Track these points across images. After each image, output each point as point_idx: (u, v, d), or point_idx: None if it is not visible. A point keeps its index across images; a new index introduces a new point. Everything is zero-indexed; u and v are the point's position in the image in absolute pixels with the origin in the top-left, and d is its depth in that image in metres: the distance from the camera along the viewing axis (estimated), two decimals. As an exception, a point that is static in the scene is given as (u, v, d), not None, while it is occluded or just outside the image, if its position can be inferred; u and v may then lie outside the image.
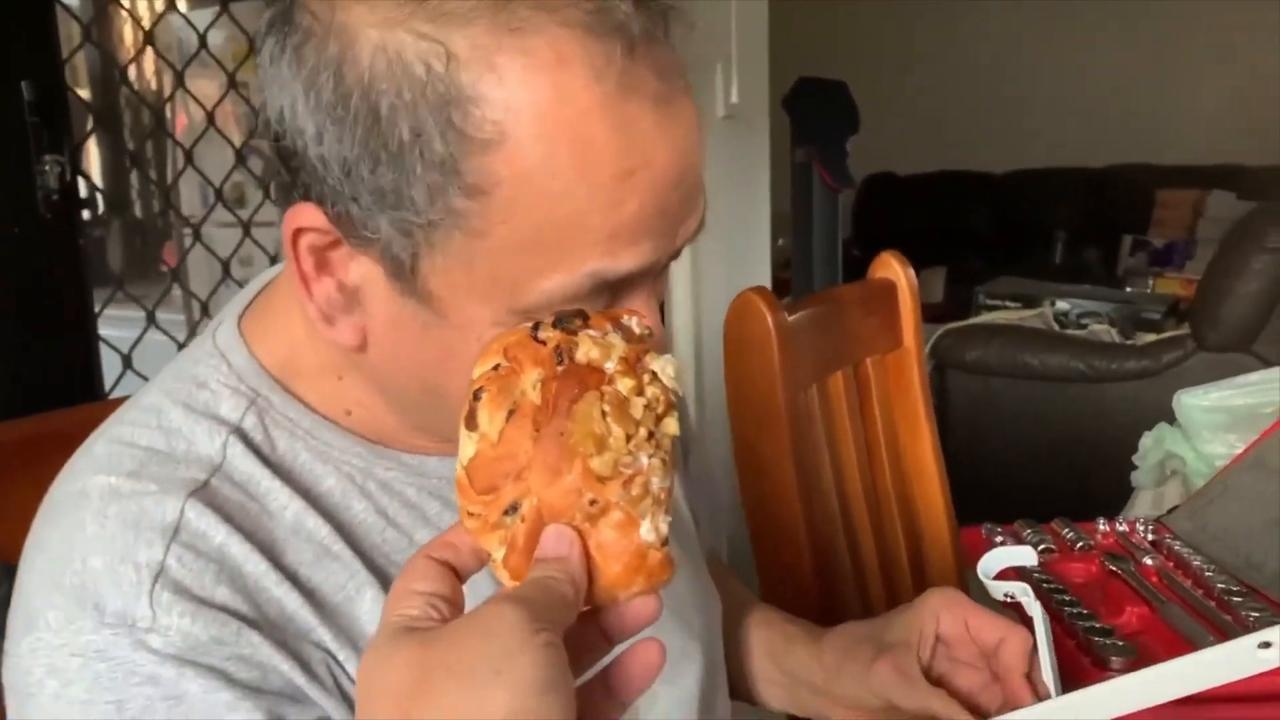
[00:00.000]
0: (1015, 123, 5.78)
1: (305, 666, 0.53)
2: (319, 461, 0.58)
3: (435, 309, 0.52)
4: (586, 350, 0.44)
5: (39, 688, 0.51)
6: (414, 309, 0.52)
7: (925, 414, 1.30)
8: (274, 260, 1.76)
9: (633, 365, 0.45)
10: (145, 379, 1.49)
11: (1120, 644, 0.80)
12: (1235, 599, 0.87)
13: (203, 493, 0.54)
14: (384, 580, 0.57)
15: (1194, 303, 2.88)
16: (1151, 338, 2.93)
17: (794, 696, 0.81)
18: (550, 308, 0.49)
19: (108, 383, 1.45)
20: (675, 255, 0.54)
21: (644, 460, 0.44)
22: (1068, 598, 0.89)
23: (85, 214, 1.43)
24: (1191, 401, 1.24)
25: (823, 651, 0.75)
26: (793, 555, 1.07)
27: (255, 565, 0.53)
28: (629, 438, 0.43)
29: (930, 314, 4.04)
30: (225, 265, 1.62)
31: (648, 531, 0.44)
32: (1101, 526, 1.05)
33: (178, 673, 0.50)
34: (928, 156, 5.85)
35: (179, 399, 0.57)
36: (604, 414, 0.43)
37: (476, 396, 0.45)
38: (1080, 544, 1.02)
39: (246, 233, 1.66)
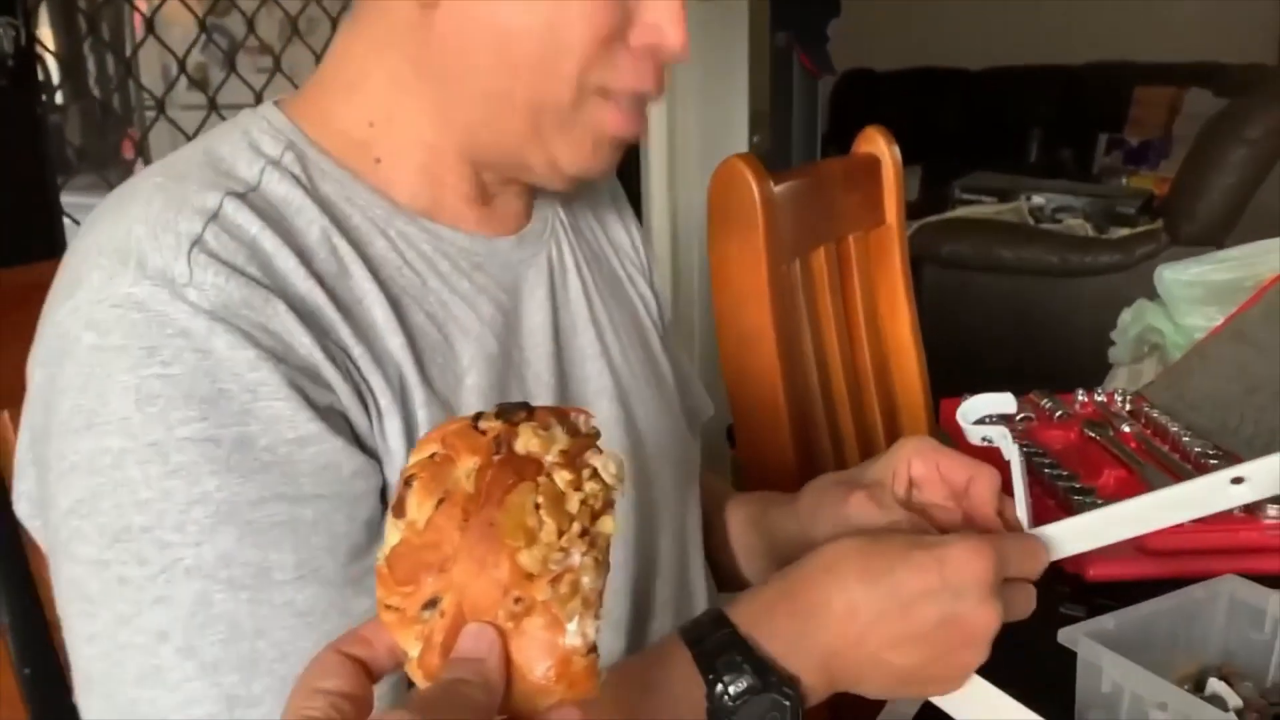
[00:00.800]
0: (992, 18, 5.69)
1: (325, 350, 0.56)
2: (347, 204, 0.62)
3: None
4: (526, 441, 0.42)
5: (75, 342, 0.53)
6: None
7: (905, 291, 1.30)
8: (241, 138, 1.71)
9: (573, 459, 0.43)
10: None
11: (1100, 502, 0.81)
12: (1212, 462, 0.88)
13: (241, 197, 0.57)
14: (393, 303, 0.60)
15: (1168, 196, 2.89)
16: (1125, 232, 2.94)
17: (775, 559, 0.81)
18: None
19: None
20: None
21: (576, 558, 0.41)
22: (1047, 460, 0.90)
23: (43, 95, 1.38)
24: (1173, 276, 1.24)
25: (798, 502, 0.76)
26: (773, 427, 1.08)
27: (285, 260, 0.56)
28: (561, 533, 0.41)
29: (908, 210, 4.02)
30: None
31: (574, 636, 0.41)
32: (1080, 397, 1.06)
33: (208, 328, 0.52)
34: (905, 52, 5.77)
35: (226, 140, 0.61)
36: (537, 506, 0.41)
37: (408, 484, 0.42)
38: (1059, 413, 1.03)
39: (213, 109, 1.61)
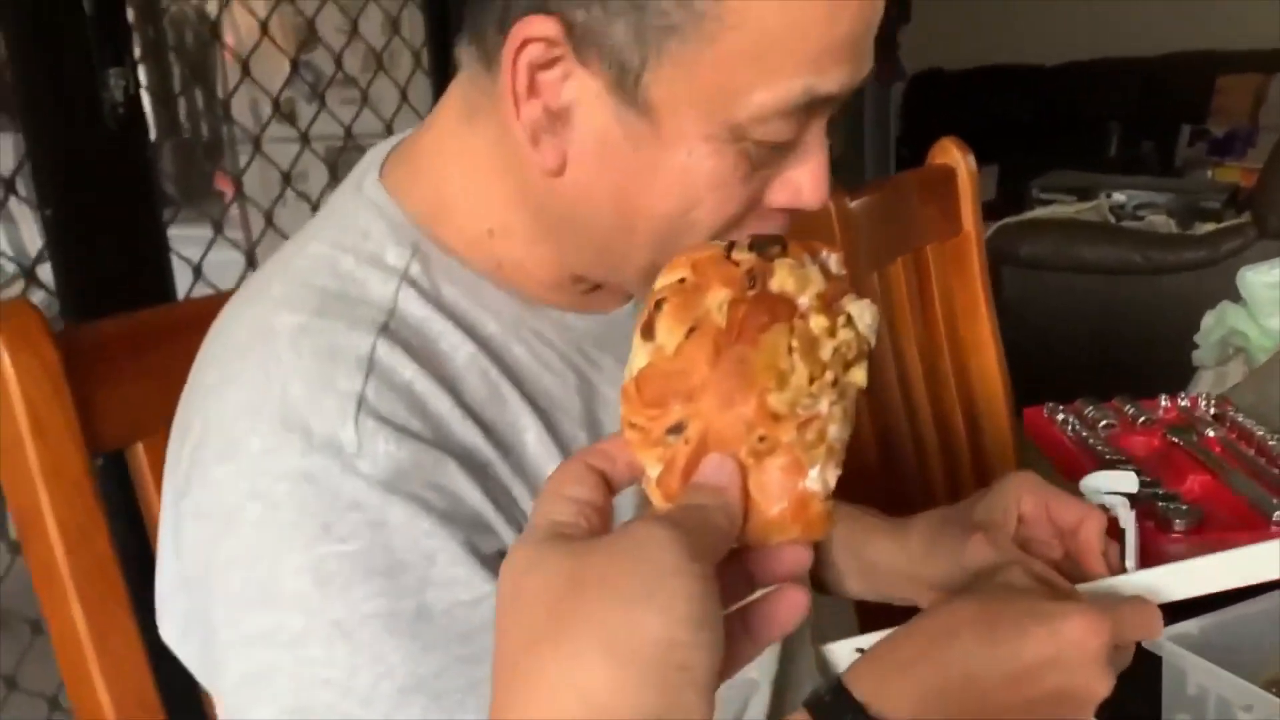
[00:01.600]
0: (1065, 12, 5.60)
1: (490, 496, 0.55)
2: (479, 309, 0.60)
3: (651, 120, 0.54)
4: (782, 279, 0.42)
5: (239, 511, 0.52)
6: (629, 122, 0.54)
7: (984, 298, 1.31)
8: (332, 172, 1.78)
9: (828, 304, 0.42)
10: (216, 289, 1.54)
11: (1185, 508, 0.82)
12: (1300, 465, 0.88)
13: (387, 331, 0.55)
14: (545, 420, 0.59)
15: (1255, 189, 2.82)
16: (1211, 227, 2.88)
17: (872, 584, 0.83)
18: (760, 122, 0.52)
19: (180, 293, 1.50)
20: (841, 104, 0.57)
21: (824, 405, 0.41)
22: (1130, 467, 0.90)
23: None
24: (1255, 278, 1.23)
25: (908, 538, 0.77)
26: (856, 440, 1.10)
27: (440, 402, 0.55)
28: (813, 379, 0.40)
29: (984, 211, 3.97)
30: (286, 177, 1.65)
31: (814, 480, 0.41)
32: (1164, 402, 1.07)
33: (382, 499, 0.51)
34: (975, 51, 5.69)
35: (346, 247, 0.59)
36: (791, 349, 0.40)
37: (658, 306, 0.42)
38: (1142, 419, 1.03)
39: (305, 144, 1.68)
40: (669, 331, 0.41)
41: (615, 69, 0.53)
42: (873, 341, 0.43)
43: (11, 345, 0.71)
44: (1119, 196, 3.13)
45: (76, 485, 0.72)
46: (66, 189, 1.33)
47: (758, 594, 0.43)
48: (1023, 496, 0.71)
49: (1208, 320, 1.36)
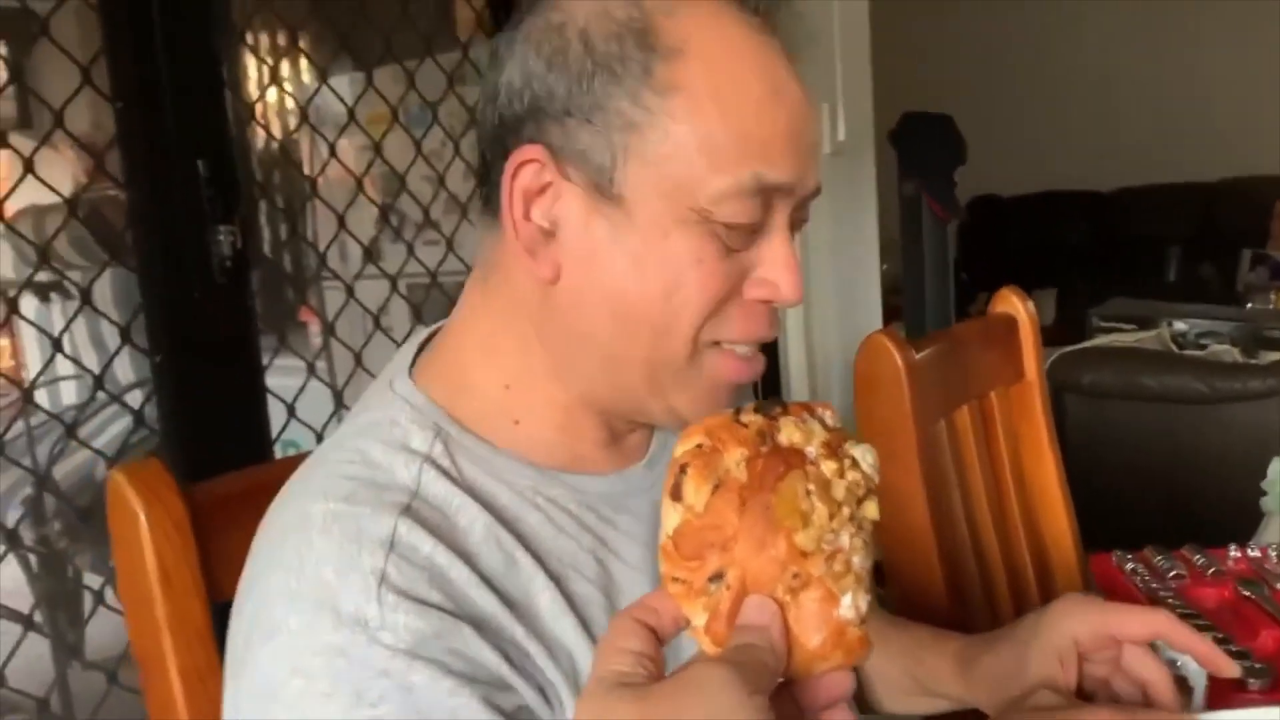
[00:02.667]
0: (1121, 138, 5.67)
1: (507, 658, 0.59)
2: (495, 481, 0.65)
3: (627, 211, 0.62)
4: (789, 433, 0.47)
5: (283, 687, 0.56)
6: (609, 216, 0.62)
7: (1049, 443, 1.34)
8: (416, 311, 1.88)
9: (834, 450, 0.47)
10: (306, 425, 1.62)
11: (1257, 666, 0.83)
12: (1372, 622, 0.89)
13: (408, 512, 0.60)
14: (557, 582, 0.63)
15: (1320, 319, 2.81)
16: (1276, 356, 2.87)
17: (931, 704, 0.85)
18: (719, 204, 0.61)
19: (275, 428, 1.58)
20: (801, 214, 0.66)
21: (845, 539, 0.46)
22: (1202, 622, 0.92)
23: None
24: (1320, 426, 1.24)
25: (972, 688, 0.79)
26: (928, 587, 1.12)
27: (458, 572, 0.59)
28: (832, 515, 0.45)
29: (1043, 337, 3.97)
30: (375, 318, 1.74)
31: (848, 609, 0.45)
32: (1233, 553, 1.08)
33: (407, 665, 0.55)
34: (1032, 177, 5.77)
35: (376, 437, 0.65)
36: (809, 492, 0.45)
37: (683, 471, 0.47)
38: (1212, 570, 1.05)
39: (394, 287, 1.77)
40: (696, 491, 0.46)
41: (592, 172, 0.62)
42: (876, 479, 0.49)
43: (145, 501, 0.77)
44: (1180, 325, 3.13)
45: (198, 633, 0.77)
46: (177, 335, 1.43)
47: None
48: (1078, 633, 0.71)
49: (1274, 468, 1.37)
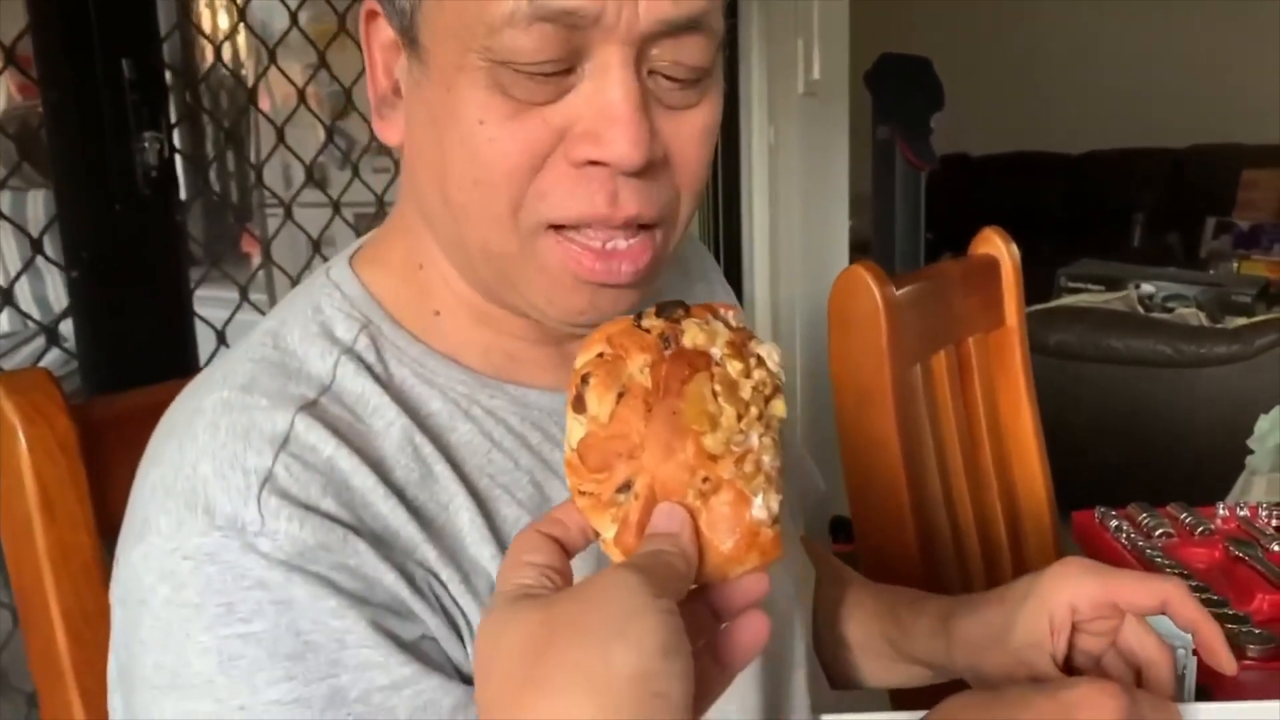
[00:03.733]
0: (1092, 103, 5.65)
1: (410, 581, 0.53)
2: (425, 385, 0.59)
3: (425, 62, 0.54)
4: (693, 336, 0.46)
5: (151, 593, 0.51)
6: (415, 71, 0.55)
7: (1027, 394, 1.28)
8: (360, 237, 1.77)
9: (739, 349, 0.46)
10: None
11: (1257, 632, 0.77)
12: (1373, 587, 0.84)
13: (312, 409, 0.54)
14: (481, 502, 0.57)
15: (1288, 285, 2.79)
16: (1242, 321, 2.85)
17: (910, 673, 0.78)
18: (495, 34, 0.50)
19: (202, 358, 1.47)
20: (663, 50, 0.53)
21: (755, 439, 0.45)
22: (1195, 583, 0.86)
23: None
24: (1314, 382, 1.19)
25: (951, 647, 0.72)
26: (897, 532, 1.06)
27: (363, 480, 0.53)
28: (740, 417, 0.44)
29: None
30: (315, 244, 1.63)
31: (759, 509, 0.44)
32: (1221, 511, 1.02)
33: (285, 577, 0.50)
34: (1002, 137, 5.74)
35: (296, 322, 0.58)
36: (715, 394, 0.44)
37: (585, 381, 0.45)
38: (1200, 528, 0.99)
39: (336, 211, 1.67)
40: (600, 401, 0.45)
41: (398, 19, 0.55)
42: (783, 377, 0.48)
43: (26, 418, 0.68)
44: (1147, 288, 3.10)
45: (85, 570, 0.69)
46: (94, 251, 1.31)
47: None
48: (1076, 602, 0.64)
49: (1263, 424, 1.31)
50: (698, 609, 0.45)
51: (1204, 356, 2.71)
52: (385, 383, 0.57)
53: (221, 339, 1.51)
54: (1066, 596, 0.64)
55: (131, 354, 1.37)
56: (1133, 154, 5.52)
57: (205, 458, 0.52)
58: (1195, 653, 0.64)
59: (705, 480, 0.44)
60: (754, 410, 0.45)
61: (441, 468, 0.56)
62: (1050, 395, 2.89)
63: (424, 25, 0.54)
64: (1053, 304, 3.03)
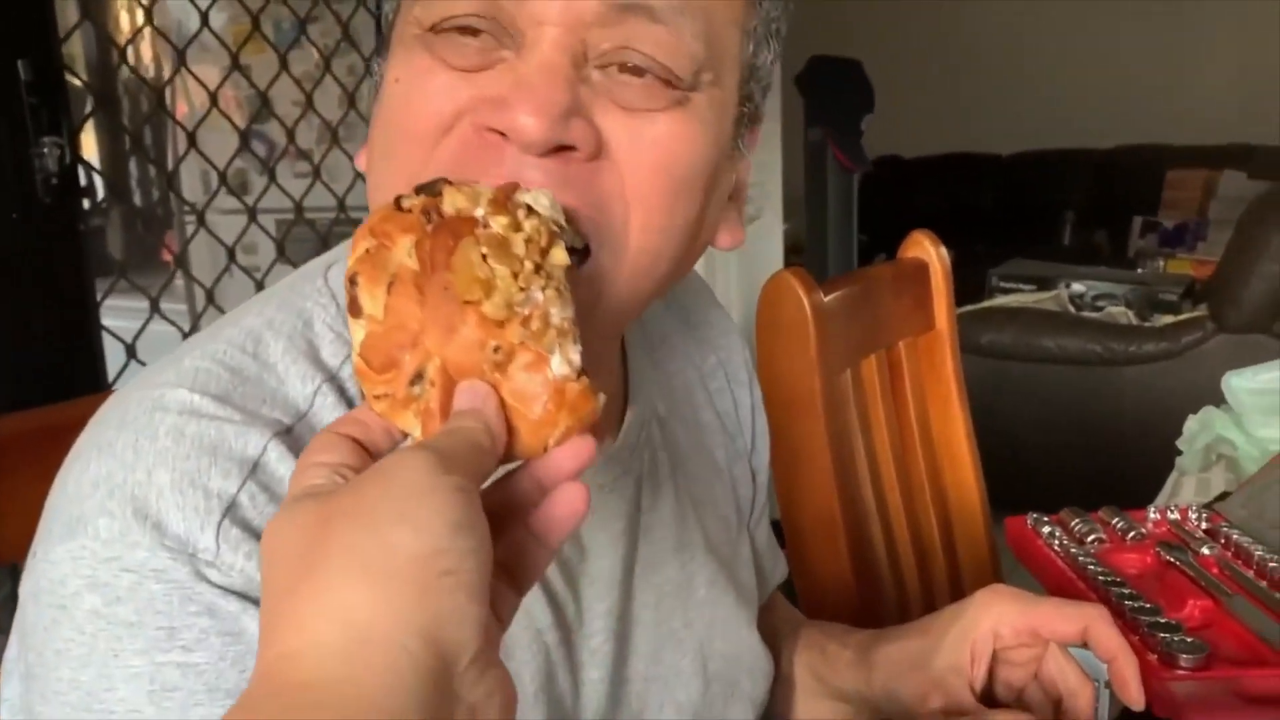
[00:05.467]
0: (1021, 104, 5.73)
1: None
2: None
3: (389, 53, 0.53)
4: (452, 201, 0.43)
5: (75, 600, 0.46)
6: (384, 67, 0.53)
7: (958, 398, 1.27)
8: (280, 246, 1.71)
9: (504, 203, 0.43)
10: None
11: (1189, 640, 0.76)
12: (1304, 590, 0.83)
13: (286, 437, 0.49)
14: None
15: (1212, 283, 2.84)
16: (1169, 319, 2.89)
17: (833, 709, 0.76)
18: (432, 12, 0.49)
19: (111, 373, 1.41)
20: (602, 34, 0.49)
21: (538, 294, 0.42)
22: (1127, 590, 0.84)
23: (85, 201, 1.38)
24: (1240, 384, 1.20)
25: (871, 674, 0.70)
26: (829, 542, 1.04)
27: None
28: (515, 275, 0.42)
29: (941, 297, 3.95)
30: (230, 252, 1.58)
31: (559, 365, 0.41)
32: (1153, 515, 1.01)
33: (239, 608, 0.46)
34: (933, 139, 5.80)
35: (283, 331, 0.53)
36: (484, 257, 0.41)
37: (353, 283, 0.42)
38: (1131, 533, 0.98)
39: (252, 218, 1.61)
40: (371, 297, 0.42)
41: (384, 32, 0.54)
42: (560, 219, 0.45)
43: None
44: (1078, 287, 3.15)
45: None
46: (-9, 261, 1.25)
47: (504, 471, 0.42)
48: (999, 629, 0.64)
49: (1191, 425, 1.32)
50: (524, 485, 0.42)
51: (1133, 354, 2.75)
52: None
53: (131, 353, 1.45)
54: (990, 623, 0.64)
55: (35, 368, 1.31)
56: (1061, 154, 5.61)
57: (163, 466, 0.47)
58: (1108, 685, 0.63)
59: (496, 350, 0.41)
60: (529, 265, 0.42)
61: None
62: (984, 395, 2.92)
63: (393, 24, 0.53)
64: (985, 304, 3.05)
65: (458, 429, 0.40)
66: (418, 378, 0.42)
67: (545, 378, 0.41)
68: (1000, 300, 3.11)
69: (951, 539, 1.25)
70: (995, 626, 0.63)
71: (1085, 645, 0.62)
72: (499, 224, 0.42)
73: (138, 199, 2.28)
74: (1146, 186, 5.24)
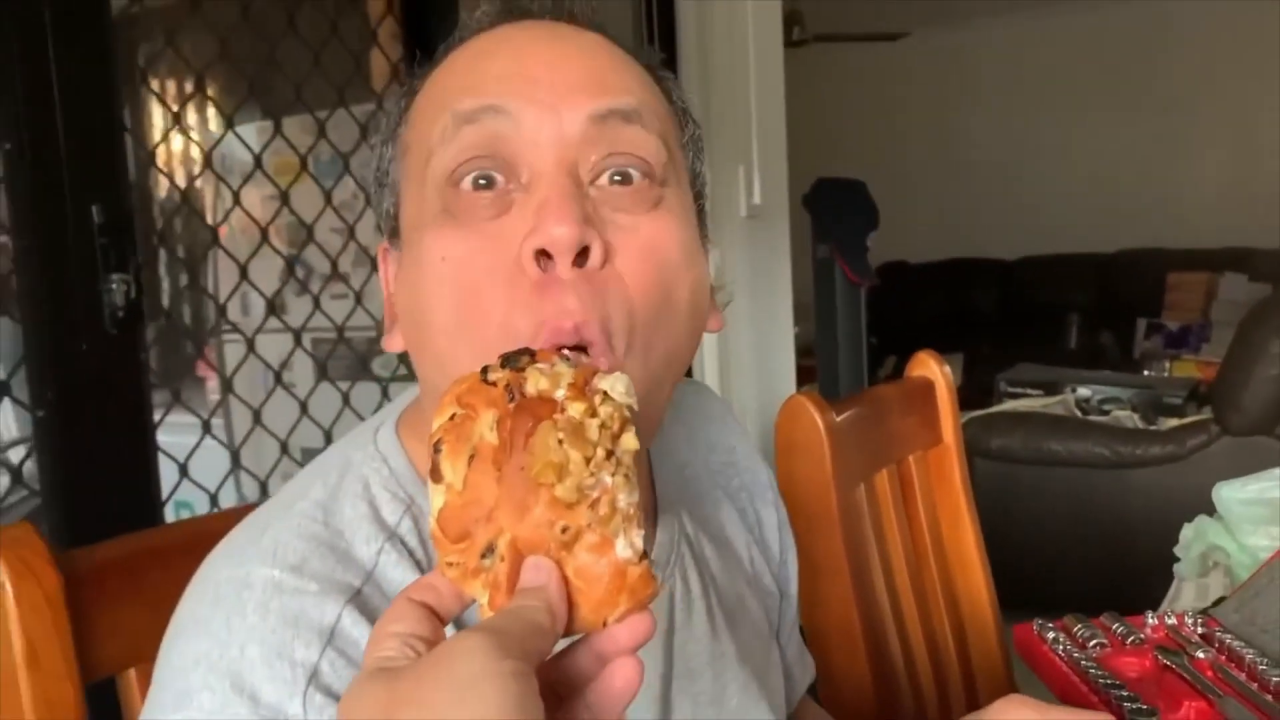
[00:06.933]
0: (1025, 211, 5.87)
1: None
2: None
3: (404, 240, 0.60)
4: (535, 382, 0.45)
5: None
6: (400, 261, 0.61)
7: (967, 508, 1.33)
8: (321, 367, 1.81)
9: (582, 389, 0.45)
10: (199, 485, 1.53)
11: (1183, 740, 0.82)
12: (1291, 692, 0.89)
13: (357, 599, 0.55)
14: None
15: (1215, 387, 2.91)
16: (1175, 422, 2.95)
17: None
18: (437, 164, 0.57)
19: (165, 489, 1.49)
20: (591, 150, 0.57)
21: (607, 479, 0.44)
22: (1125, 693, 0.90)
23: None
24: (1230, 494, 1.26)
25: None
26: (848, 649, 1.09)
27: None
28: (588, 460, 0.44)
29: (951, 401, 4.02)
30: (277, 373, 1.67)
31: (624, 549, 0.44)
32: (1150, 620, 1.07)
33: None
34: (940, 245, 5.93)
35: (346, 497, 0.60)
36: (560, 441, 0.43)
37: (437, 449, 0.45)
38: (1131, 638, 1.04)
39: (298, 341, 1.71)
40: (452, 468, 0.44)
41: (387, 224, 0.62)
42: (635, 405, 0.46)
43: (15, 573, 0.70)
44: (1084, 391, 3.21)
45: (68, 717, 0.71)
46: (60, 389, 1.35)
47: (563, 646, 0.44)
48: None
49: (1186, 533, 1.38)
50: (584, 659, 0.44)
51: (1140, 457, 2.80)
52: (424, 569, 0.58)
53: (184, 471, 1.53)
54: None
55: (94, 489, 1.39)
56: (1064, 259, 5.73)
57: (254, 642, 0.53)
58: None
59: (564, 530, 0.43)
60: (601, 451, 0.44)
61: None
62: (994, 499, 2.98)
63: (402, 213, 0.60)
64: (993, 410, 3.12)
65: (519, 609, 0.42)
66: (489, 551, 0.44)
67: (609, 560, 0.43)
68: (1008, 405, 3.17)
69: (965, 644, 1.31)
70: None
71: None
72: (576, 410, 0.44)
73: (186, 319, 2.39)
74: (1149, 289, 5.34)
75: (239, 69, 1.67)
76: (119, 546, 0.80)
